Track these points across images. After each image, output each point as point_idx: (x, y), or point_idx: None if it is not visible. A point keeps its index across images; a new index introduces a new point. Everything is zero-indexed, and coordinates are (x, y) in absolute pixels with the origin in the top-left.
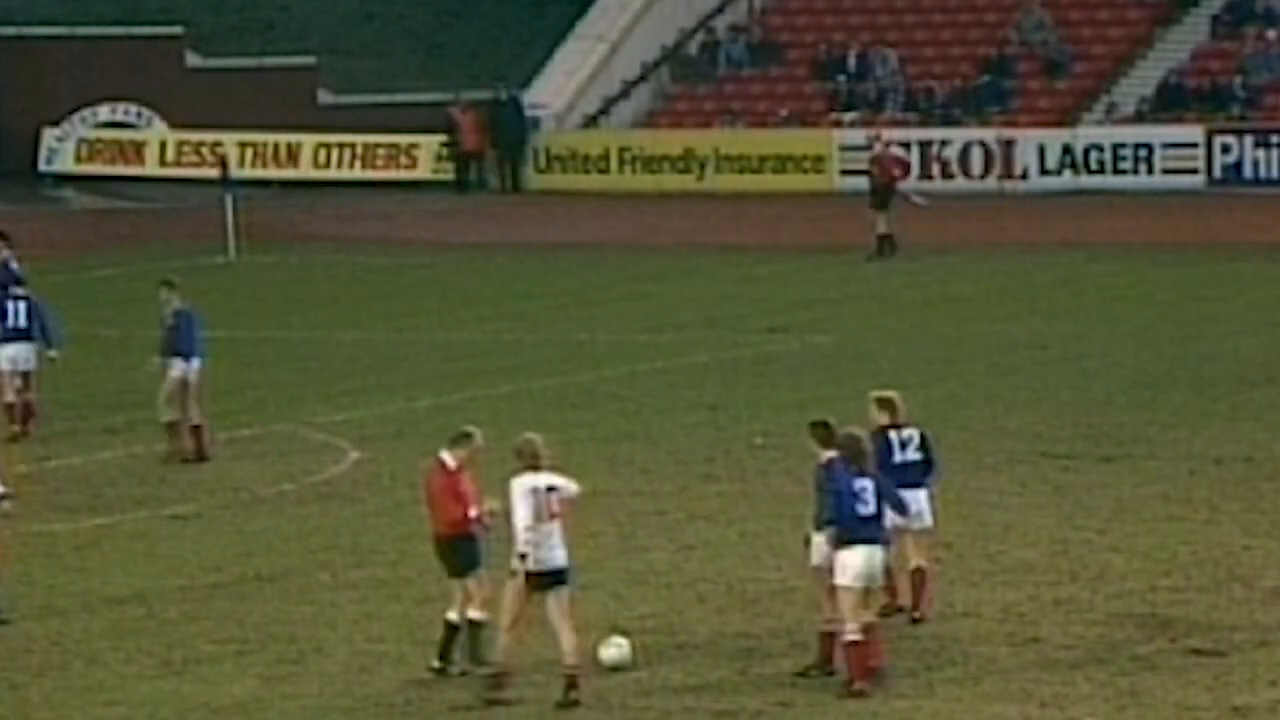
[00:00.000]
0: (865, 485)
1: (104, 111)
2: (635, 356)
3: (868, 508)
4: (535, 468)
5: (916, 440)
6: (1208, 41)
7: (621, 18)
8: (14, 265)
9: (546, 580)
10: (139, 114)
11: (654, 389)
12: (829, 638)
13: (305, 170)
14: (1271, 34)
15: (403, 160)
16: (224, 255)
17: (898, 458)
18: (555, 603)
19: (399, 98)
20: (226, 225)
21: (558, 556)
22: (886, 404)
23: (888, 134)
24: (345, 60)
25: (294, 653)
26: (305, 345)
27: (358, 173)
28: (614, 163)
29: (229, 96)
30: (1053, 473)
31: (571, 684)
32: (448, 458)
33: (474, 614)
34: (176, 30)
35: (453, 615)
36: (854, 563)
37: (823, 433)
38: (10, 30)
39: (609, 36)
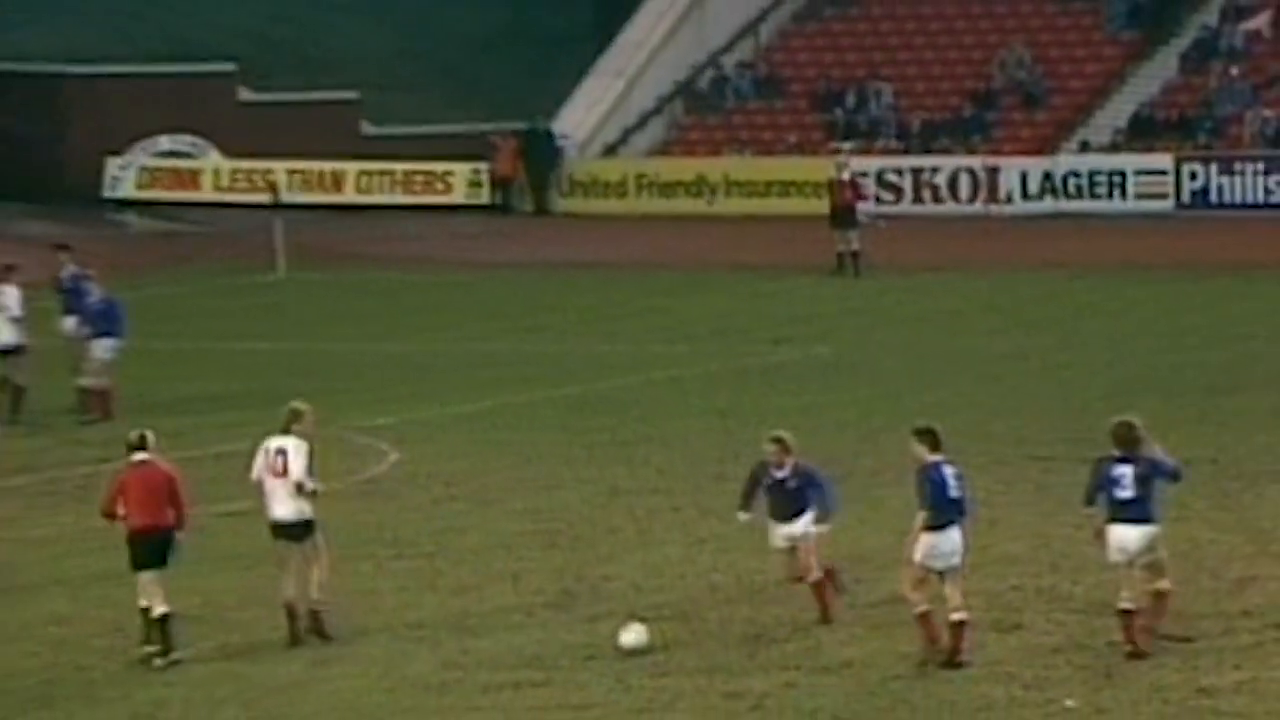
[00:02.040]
0: (1125, 472)
1: (163, 142)
2: (651, 366)
3: (1126, 492)
4: (285, 431)
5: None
6: (1177, 76)
7: (638, 55)
8: (71, 271)
9: (279, 530)
10: (195, 144)
11: (668, 396)
12: (959, 627)
13: (349, 195)
14: (1235, 70)
15: (438, 186)
16: (274, 274)
17: None
18: (297, 552)
19: (435, 128)
20: (276, 246)
21: (279, 511)
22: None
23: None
24: (385, 94)
25: (338, 637)
26: (348, 356)
27: (397, 197)
28: (631, 188)
29: (278, 127)
30: (1035, 473)
31: (313, 622)
32: (149, 457)
33: (161, 608)
34: (229, 67)
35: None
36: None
37: (930, 438)
38: (77, 69)
39: (627, 72)
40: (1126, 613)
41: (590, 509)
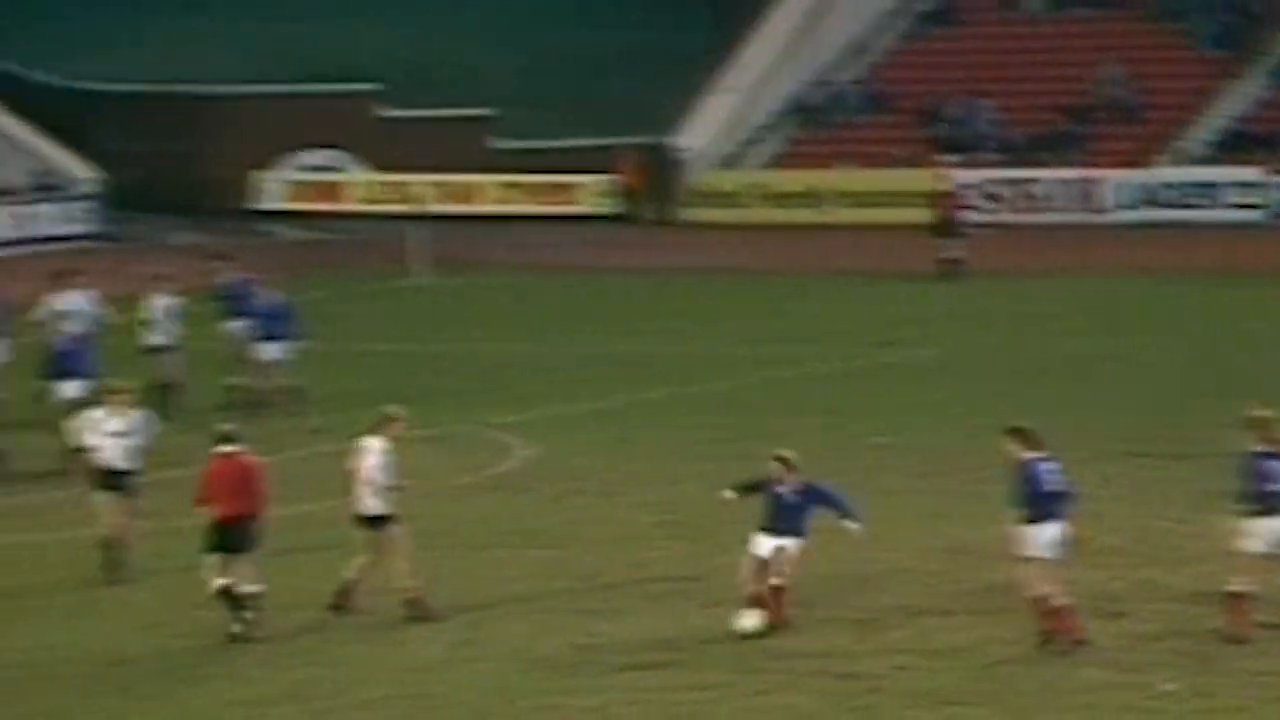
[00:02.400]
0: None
1: (309, 157)
2: (766, 366)
3: (1277, 484)
4: (374, 433)
5: None
6: (1267, 93)
7: (755, 73)
8: (234, 277)
9: (358, 522)
10: (338, 158)
11: (783, 394)
12: (1055, 613)
13: (482, 205)
14: None
15: (567, 196)
16: (414, 279)
17: None
18: (378, 542)
19: (562, 143)
20: (416, 253)
21: (358, 505)
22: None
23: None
24: (516, 110)
25: (474, 621)
26: (483, 356)
27: (528, 207)
28: (748, 198)
29: (415, 142)
30: (1133, 469)
31: (409, 605)
32: (236, 449)
33: (247, 587)
34: (370, 87)
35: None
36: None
37: (1022, 436)
38: (227, 89)
39: (745, 89)
40: (1239, 596)
41: (711, 501)
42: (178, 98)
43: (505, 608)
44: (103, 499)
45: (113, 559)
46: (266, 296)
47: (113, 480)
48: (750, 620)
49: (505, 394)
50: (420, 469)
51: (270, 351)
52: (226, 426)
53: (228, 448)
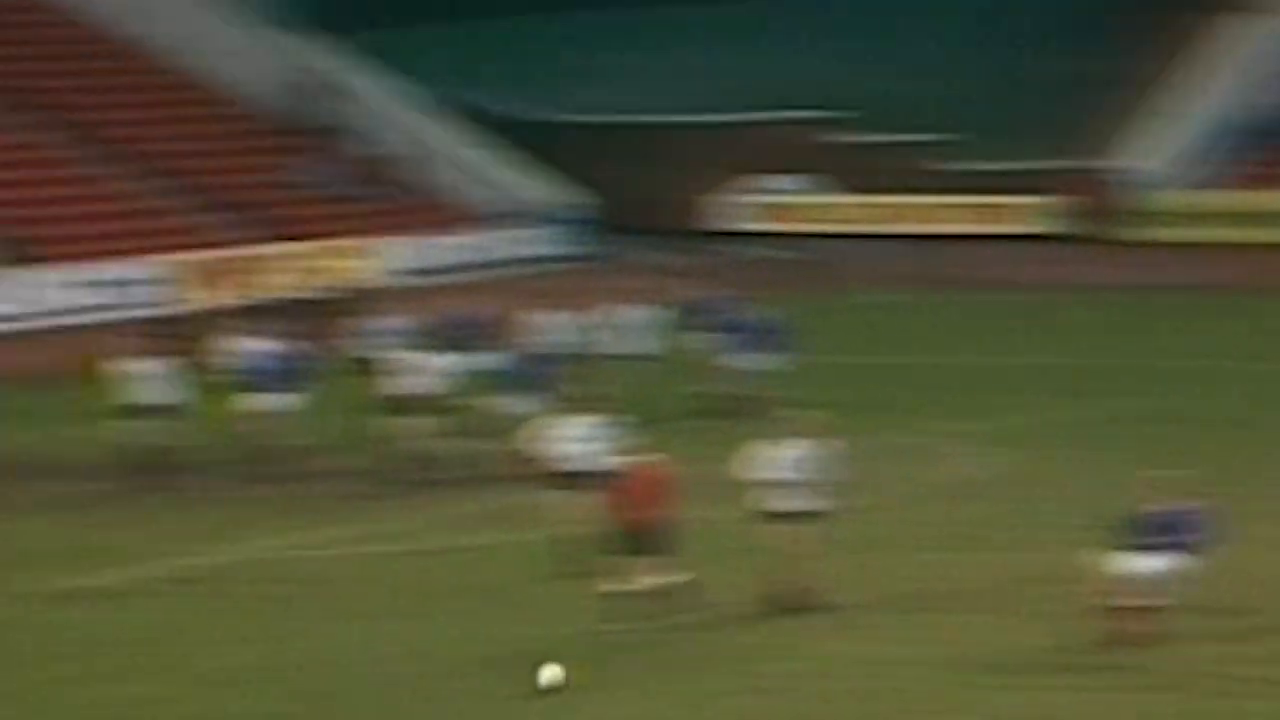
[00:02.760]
0: None
1: (776, 180)
2: (1205, 381)
3: None
4: (795, 435)
5: None
6: None
7: (1195, 96)
8: (706, 294)
9: (773, 518)
10: (803, 181)
11: (1221, 409)
12: None
13: (934, 226)
14: None
15: (1015, 217)
16: (870, 296)
17: None
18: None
19: (1010, 165)
20: (871, 271)
21: (775, 503)
22: None
23: None
24: (964, 135)
25: (930, 618)
26: (937, 369)
27: (978, 227)
28: (1192, 218)
29: (873, 166)
30: None
31: (781, 599)
32: (646, 459)
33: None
34: (830, 114)
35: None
36: None
37: None
38: (687, 118)
39: (1185, 111)
40: None
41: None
42: (641, 127)
43: (962, 602)
44: (558, 499)
45: (565, 555)
46: (755, 312)
47: (573, 482)
48: (549, 673)
49: (957, 405)
50: (876, 476)
51: (755, 363)
52: (641, 439)
53: (641, 457)
